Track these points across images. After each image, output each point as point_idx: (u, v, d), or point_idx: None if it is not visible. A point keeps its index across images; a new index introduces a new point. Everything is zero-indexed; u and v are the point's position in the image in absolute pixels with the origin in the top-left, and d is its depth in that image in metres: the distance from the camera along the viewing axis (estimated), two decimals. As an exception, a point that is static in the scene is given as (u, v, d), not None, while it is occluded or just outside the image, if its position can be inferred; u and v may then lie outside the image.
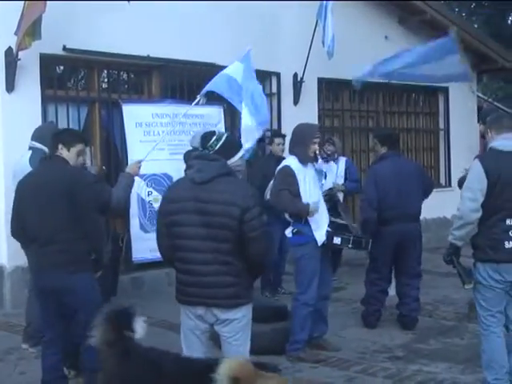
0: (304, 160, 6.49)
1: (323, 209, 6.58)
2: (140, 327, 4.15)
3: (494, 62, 14.74)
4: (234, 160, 4.68)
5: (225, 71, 7.77)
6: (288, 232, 6.57)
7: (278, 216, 7.13)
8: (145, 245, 9.35)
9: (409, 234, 7.42)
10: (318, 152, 6.81)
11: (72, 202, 5.00)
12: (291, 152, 6.62)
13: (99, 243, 5.30)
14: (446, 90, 14.56)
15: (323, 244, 6.47)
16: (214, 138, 4.66)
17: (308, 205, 6.37)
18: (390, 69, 10.06)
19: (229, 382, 3.68)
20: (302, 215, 6.43)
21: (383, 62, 10.08)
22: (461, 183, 5.32)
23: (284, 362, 6.38)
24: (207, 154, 4.59)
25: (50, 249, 5.04)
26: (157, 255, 9.06)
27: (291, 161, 6.53)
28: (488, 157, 5.17)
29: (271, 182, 7.08)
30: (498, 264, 5.03)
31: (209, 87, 7.63)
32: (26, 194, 5.20)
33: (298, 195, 6.39)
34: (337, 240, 6.65)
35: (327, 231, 6.50)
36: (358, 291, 7.82)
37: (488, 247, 5.06)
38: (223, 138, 4.66)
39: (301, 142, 6.54)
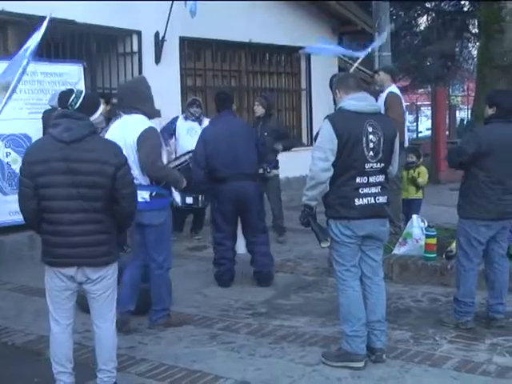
0: (152, 116, 6.14)
1: None
2: None
3: (354, 25, 15.05)
4: (95, 117, 4.62)
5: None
6: (146, 196, 5.99)
7: None
8: (4, 208, 9.08)
9: (245, 192, 7.43)
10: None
11: None
12: (135, 109, 5.99)
13: None
14: (307, 51, 14.77)
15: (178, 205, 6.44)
16: (73, 95, 4.58)
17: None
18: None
19: None
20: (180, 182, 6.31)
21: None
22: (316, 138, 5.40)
23: (146, 323, 6.38)
24: (73, 113, 4.50)
25: None
26: (17, 218, 9.01)
27: (145, 120, 6.02)
28: (337, 117, 5.24)
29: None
30: (349, 221, 5.16)
31: None
32: None
33: None
34: (189, 200, 6.67)
35: (179, 192, 6.46)
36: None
37: (339, 205, 5.16)
38: (82, 96, 4.59)
39: (148, 97, 6.16)
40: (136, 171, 5.87)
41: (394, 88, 8.86)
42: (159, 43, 11.40)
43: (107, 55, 11.18)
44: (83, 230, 4.43)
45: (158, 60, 11.50)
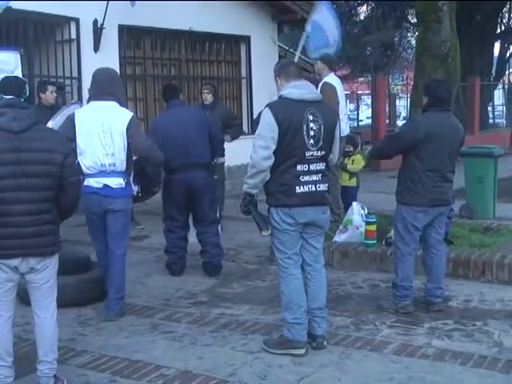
0: (123, 105, 6.27)
1: None
2: None
3: (294, 13, 15.08)
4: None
5: None
6: (122, 182, 6.09)
7: None
8: None
9: (196, 182, 7.39)
10: None
11: None
12: (112, 96, 6.08)
13: None
14: (247, 39, 14.77)
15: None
16: (26, 84, 4.62)
17: None
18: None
19: None
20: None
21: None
22: (257, 123, 5.38)
23: (89, 314, 6.34)
24: (19, 102, 4.47)
25: None
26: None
27: (122, 108, 6.16)
28: (278, 105, 5.22)
29: None
30: (290, 208, 5.16)
31: None
32: None
33: None
34: (136, 188, 6.69)
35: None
36: (161, 240, 7.86)
37: (280, 192, 5.16)
38: (27, 84, 4.61)
39: (120, 85, 6.41)
40: (117, 158, 6.00)
41: (330, 78, 8.91)
42: (98, 31, 11.29)
43: (45, 42, 11.02)
44: (35, 220, 4.40)
45: (96, 48, 11.39)
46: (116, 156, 6.02)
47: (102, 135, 5.98)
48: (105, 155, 5.98)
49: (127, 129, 6.00)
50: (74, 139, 5.99)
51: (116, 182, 6.07)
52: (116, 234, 6.20)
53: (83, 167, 6.02)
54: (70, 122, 6.12)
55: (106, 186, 6.03)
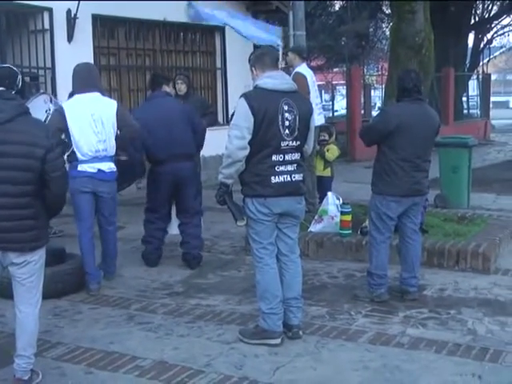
0: (105, 95, 6.80)
1: None
2: None
3: (268, 3, 15.06)
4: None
5: None
6: (113, 166, 6.68)
7: None
8: None
9: (181, 174, 7.38)
10: None
11: None
12: (95, 88, 6.62)
13: None
14: (222, 30, 14.72)
15: None
16: (18, 76, 4.54)
17: None
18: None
19: None
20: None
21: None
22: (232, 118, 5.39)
23: (64, 305, 6.31)
24: (4, 92, 4.38)
25: None
26: None
27: (105, 97, 6.72)
28: (253, 95, 5.21)
29: None
30: (265, 198, 5.15)
31: None
32: None
33: None
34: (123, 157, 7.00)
35: None
36: (137, 231, 7.84)
37: (255, 183, 5.16)
38: (20, 76, 4.56)
39: (99, 78, 7.10)
40: (108, 144, 6.57)
41: (301, 68, 8.92)
42: (71, 21, 11.20)
43: (18, 32, 10.91)
44: (12, 214, 4.32)
45: (70, 38, 11.31)
46: (107, 142, 6.56)
47: (93, 124, 6.49)
48: (98, 142, 6.51)
49: (117, 114, 6.58)
50: (66, 130, 6.43)
51: (108, 166, 6.62)
52: (108, 215, 6.84)
53: (78, 154, 6.50)
54: (60, 114, 6.50)
55: (100, 170, 6.55)
